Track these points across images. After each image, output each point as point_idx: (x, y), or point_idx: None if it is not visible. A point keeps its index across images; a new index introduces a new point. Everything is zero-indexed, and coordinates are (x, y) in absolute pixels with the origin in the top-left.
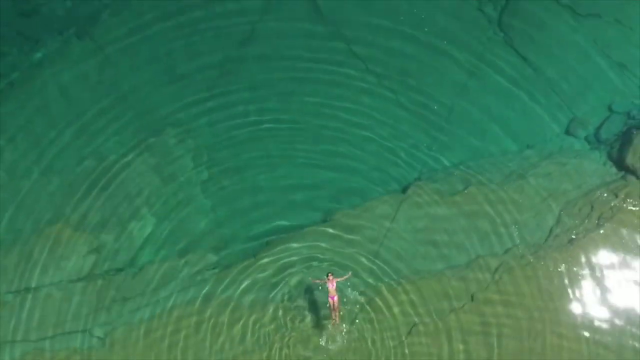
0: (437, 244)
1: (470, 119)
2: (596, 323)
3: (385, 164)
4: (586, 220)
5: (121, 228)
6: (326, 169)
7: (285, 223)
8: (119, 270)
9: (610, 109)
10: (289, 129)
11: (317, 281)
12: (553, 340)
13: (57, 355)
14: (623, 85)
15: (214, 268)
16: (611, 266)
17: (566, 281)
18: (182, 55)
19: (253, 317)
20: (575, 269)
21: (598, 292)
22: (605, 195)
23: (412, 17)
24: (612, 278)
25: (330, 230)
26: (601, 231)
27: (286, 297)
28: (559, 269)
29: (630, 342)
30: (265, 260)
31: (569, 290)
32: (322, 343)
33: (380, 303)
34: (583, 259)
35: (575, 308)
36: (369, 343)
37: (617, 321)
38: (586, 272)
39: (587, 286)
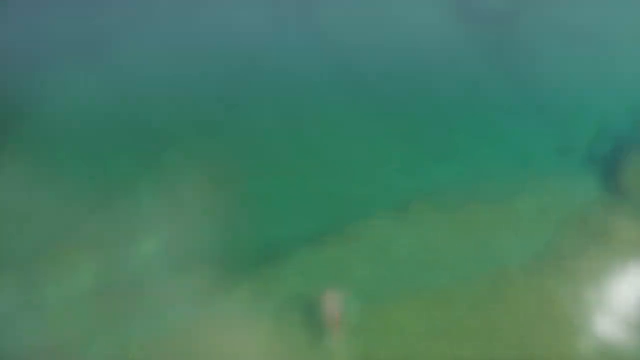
0: (429, 262)
1: (464, 138)
2: (591, 341)
3: (379, 182)
4: (579, 239)
5: (128, 243)
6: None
7: (281, 238)
8: (126, 285)
9: (601, 128)
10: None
11: (324, 298)
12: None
13: None
14: (615, 105)
15: (222, 282)
16: (605, 284)
17: (560, 300)
18: None
19: (264, 332)
20: (569, 287)
21: (592, 311)
22: (599, 214)
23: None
24: (606, 296)
25: (328, 247)
26: (594, 249)
27: (289, 313)
28: (553, 288)
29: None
30: (273, 274)
31: (563, 309)
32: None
33: (377, 322)
34: (576, 278)
35: (570, 327)
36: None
37: (613, 338)
38: (580, 290)
39: (581, 305)
